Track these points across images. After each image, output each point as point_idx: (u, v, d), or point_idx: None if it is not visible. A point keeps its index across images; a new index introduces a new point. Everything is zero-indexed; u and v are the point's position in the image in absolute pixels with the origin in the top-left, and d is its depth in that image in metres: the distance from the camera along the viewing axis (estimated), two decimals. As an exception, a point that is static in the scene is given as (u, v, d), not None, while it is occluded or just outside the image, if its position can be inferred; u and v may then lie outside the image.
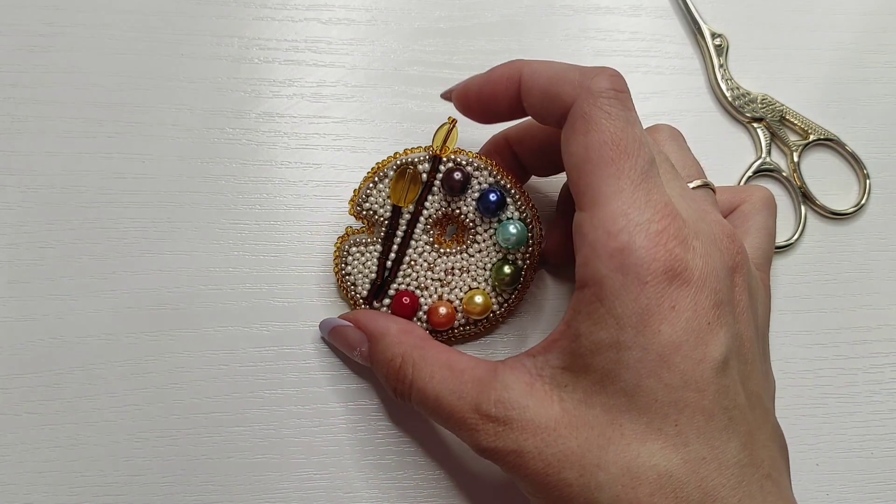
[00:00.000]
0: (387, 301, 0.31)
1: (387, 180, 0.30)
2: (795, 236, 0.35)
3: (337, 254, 0.31)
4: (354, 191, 0.30)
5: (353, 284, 0.31)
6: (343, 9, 0.37)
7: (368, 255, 0.30)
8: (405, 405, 0.28)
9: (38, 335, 0.31)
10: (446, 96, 0.31)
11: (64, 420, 0.30)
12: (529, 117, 0.29)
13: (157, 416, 0.30)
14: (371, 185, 0.30)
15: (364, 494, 0.30)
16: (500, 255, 0.30)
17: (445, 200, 0.30)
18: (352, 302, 0.31)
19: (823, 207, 0.36)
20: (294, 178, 0.34)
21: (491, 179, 0.30)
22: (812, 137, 0.37)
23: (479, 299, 0.30)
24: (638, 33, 0.38)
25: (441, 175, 0.30)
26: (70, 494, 0.30)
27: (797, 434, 0.32)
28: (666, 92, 0.37)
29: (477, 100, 0.29)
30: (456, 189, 0.30)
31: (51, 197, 0.33)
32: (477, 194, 0.30)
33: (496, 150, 0.32)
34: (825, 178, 0.37)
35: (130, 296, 0.32)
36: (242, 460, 0.30)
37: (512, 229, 0.30)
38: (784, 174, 0.36)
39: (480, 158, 0.30)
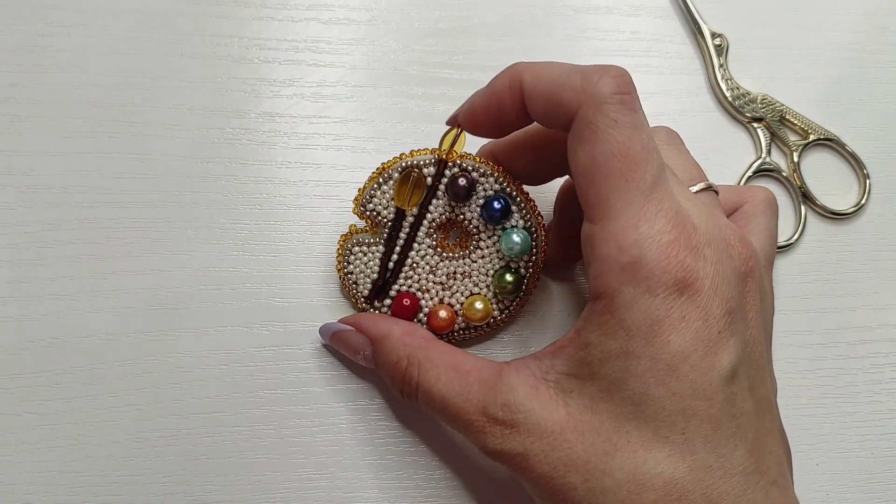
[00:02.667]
0: (388, 301, 0.31)
1: (391, 182, 0.30)
2: (795, 236, 0.35)
3: (340, 252, 0.31)
4: (359, 190, 0.30)
5: (355, 283, 0.31)
6: (343, 9, 0.37)
7: (371, 255, 0.30)
8: (410, 404, 0.28)
9: (38, 335, 0.31)
10: (452, 122, 0.29)
11: (64, 420, 0.30)
12: (514, 134, 0.29)
13: (157, 416, 0.30)
14: (375, 185, 0.30)
15: (364, 494, 0.30)
16: (503, 262, 0.30)
17: (450, 205, 0.30)
18: (353, 300, 0.31)
19: (823, 207, 0.36)
20: (294, 178, 0.34)
21: (497, 186, 0.30)
22: (812, 137, 0.37)
23: (479, 305, 0.30)
24: (638, 33, 0.38)
25: (446, 180, 0.30)
26: (70, 494, 0.30)
27: (797, 434, 0.32)
28: (666, 92, 0.37)
29: (485, 117, 0.28)
30: (461, 196, 0.29)
31: (51, 197, 0.33)
32: (482, 201, 0.30)
33: None
34: (825, 178, 0.37)
35: (130, 296, 0.32)
36: (242, 460, 0.30)
37: (516, 238, 0.29)
38: (784, 174, 0.36)
39: (487, 164, 0.30)
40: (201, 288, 0.32)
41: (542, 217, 0.30)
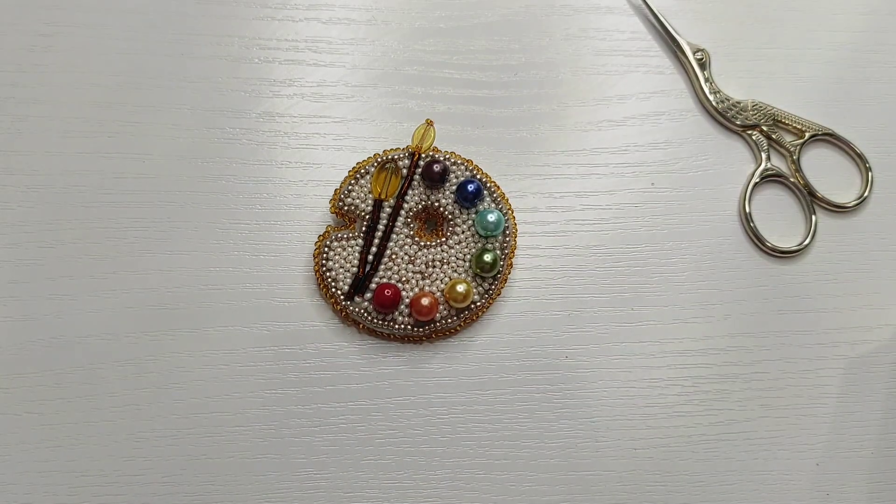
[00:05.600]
0: (368, 295, 0.31)
1: (368, 177, 0.32)
2: (807, 240, 0.35)
3: (317, 251, 0.31)
4: (335, 190, 0.32)
5: (334, 280, 0.31)
6: (343, 9, 0.37)
7: (350, 249, 0.31)
8: (404, 404, 0.28)
9: (38, 335, 0.31)
10: None
11: (64, 420, 0.30)
12: None
13: (157, 416, 0.30)
14: (353, 181, 0.32)
15: (364, 494, 0.30)
16: (479, 245, 0.32)
17: (425, 193, 0.32)
18: (332, 300, 0.31)
19: (825, 199, 0.36)
20: (294, 178, 0.34)
21: (468, 174, 0.32)
22: (808, 135, 0.37)
23: (461, 288, 0.31)
24: (638, 33, 0.38)
25: (421, 168, 0.32)
26: (70, 494, 0.29)
27: (797, 434, 0.32)
28: (667, 91, 0.37)
29: None
30: (436, 179, 0.31)
31: (51, 197, 0.33)
32: (454, 186, 0.32)
33: None
34: (826, 176, 0.37)
35: (130, 296, 0.32)
36: (242, 460, 0.30)
37: (490, 217, 0.31)
38: (792, 180, 0.36)
39: (456, 156, 0.32)
40: (201, 288, 0.32)
41: (511, 204, 0.33)
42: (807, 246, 0.35)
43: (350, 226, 0.32)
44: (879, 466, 0.32)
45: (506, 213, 0.32)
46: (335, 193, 0.32)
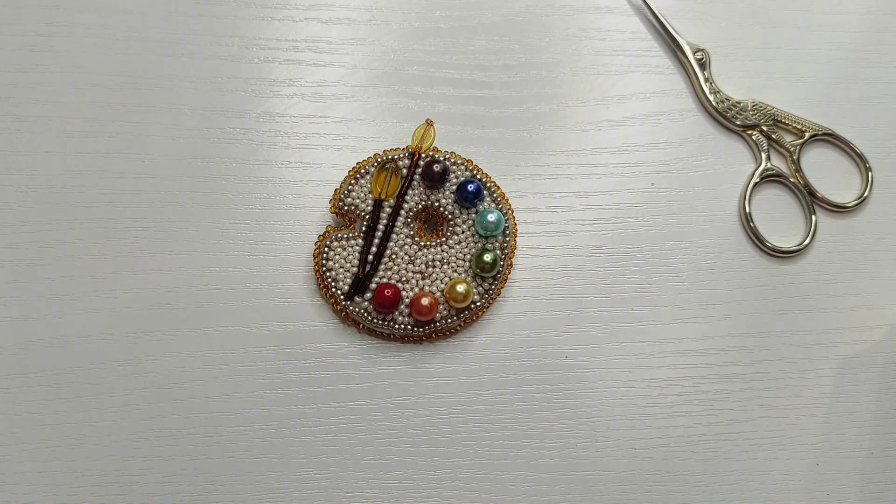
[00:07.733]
0: (368, 295, 0.31)
1: (368, 176, 0.32)
2: (807, 240, 0.35)
3: (318, 251, 0.31)
4: (335, 190, 0.32)
5: (334, 280, 0.31)
6: (343, 9, 0.37)
7: (350, 248, 0.31)
8: (404, 404, 0.28)
9: (38, 335, 0.31)
10: None
11: (64, 420, 0.30)
12: None
13: (157, 416, 0.30)
14: (353, 181, 0.32)
15: (364, 494, 0.30)
16: (479, 245, 0.32)
17: (425, 193, 0.32)
18: (332, 300, 0.31)
19: (825, 199, 0.36)
20: (294, 178, 0.34)
21: (468, 174, 0.32)
22: (808, 135, 0.37)
23: (460, 288, 0.31)
24: (638, 33, 0.38)
25: (421, 168, 0.32)
26: (70, 494, 0.29)
27: (797, 434, 0.32)
28: (667, 91, 0.37)
29: None
30: (436, 179, 0.31)
31: (51, 197, 0.33)
32: (454, 186, 0.32)
33: None
34: (826, 176, 0.37)
35: (130, 296, 0.32)
36: (242, 460, 0.30)
37: (490, 217, 0.31)
38: (792, 180, 0.36)
39: (456, 156, 0.32)
40: (201, 288, 0.32)
41: (511, 204, 0.33)
42: (807, 246, 0.35)
43: (350, 226, 0.32)
44: (879, 466, 0.32)
45: (506, 213, 0.32)
46: (335, 193, 0.32)
